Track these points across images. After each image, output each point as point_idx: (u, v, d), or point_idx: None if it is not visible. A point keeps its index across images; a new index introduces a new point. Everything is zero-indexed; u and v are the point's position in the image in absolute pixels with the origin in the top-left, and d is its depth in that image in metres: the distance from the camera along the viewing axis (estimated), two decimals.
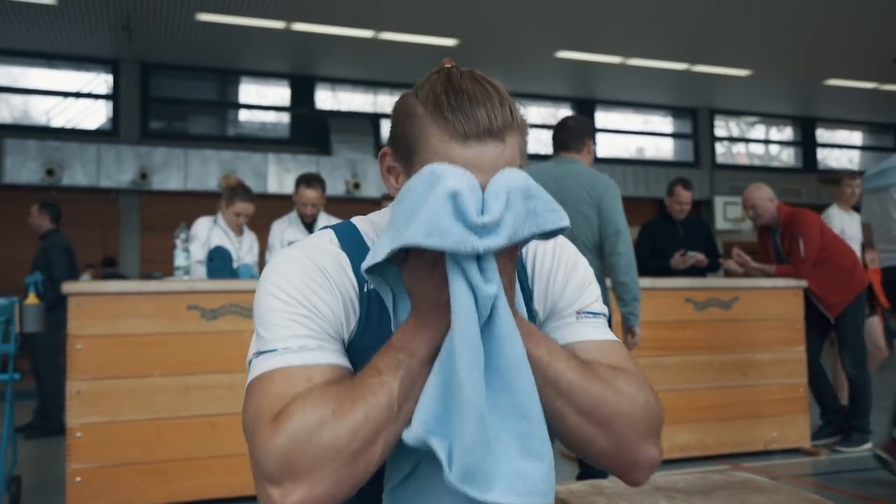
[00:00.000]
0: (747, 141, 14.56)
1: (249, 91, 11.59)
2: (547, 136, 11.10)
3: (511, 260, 0.89)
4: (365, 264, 0.85)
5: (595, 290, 1.06)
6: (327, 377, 0.86)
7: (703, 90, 12.43)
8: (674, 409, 3.70)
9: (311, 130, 11.27)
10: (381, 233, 0.99)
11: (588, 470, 3.00)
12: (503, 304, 0.85)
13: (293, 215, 4.26)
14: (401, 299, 0.94)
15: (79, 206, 9.44)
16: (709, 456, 3.90)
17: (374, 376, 0.85)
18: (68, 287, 3.01)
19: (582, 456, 0.97)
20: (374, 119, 11.58)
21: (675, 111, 13.64)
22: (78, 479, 2.93)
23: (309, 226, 4.22)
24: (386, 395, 0.83)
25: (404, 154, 0.93)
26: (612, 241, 2.97)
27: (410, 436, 0.83)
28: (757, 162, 14.45)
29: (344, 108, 11.85)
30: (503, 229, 0.81)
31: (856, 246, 4.67)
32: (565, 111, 12.82)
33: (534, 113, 12.73)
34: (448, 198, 0.80)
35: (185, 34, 9.32)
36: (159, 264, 8.90)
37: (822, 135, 14.79)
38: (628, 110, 13.45)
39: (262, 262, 4.45)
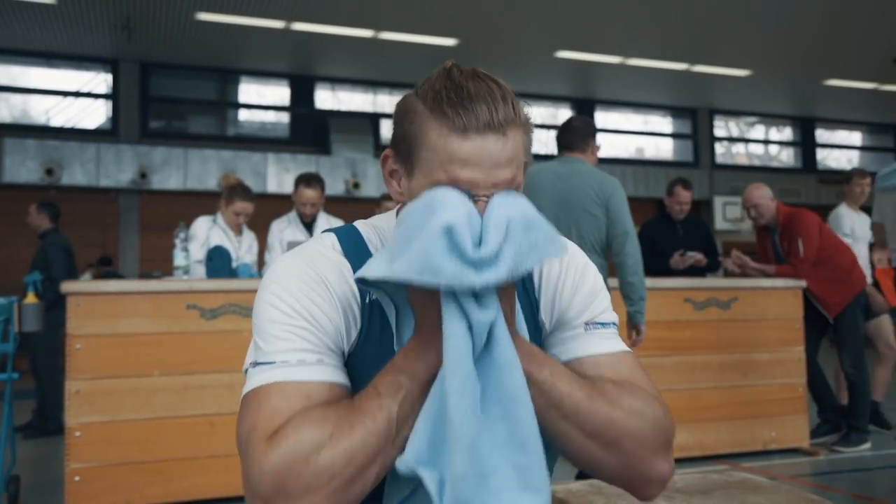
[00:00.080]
0: (747, 141, 14.55)
1: (249, 91, 11.58)
2: (546, 135, 11.16)
3: (511, 285, 0.87)
4: (358, 274, 0.84)
5: (605, 298, 1.03)
6: (325, 396, 0.84)
7: (702, 90, 12.42)
8: (673, 409, 3.63)
9: (310, 130, 11.25)
10: (384, 239, 0.97)
11: None
12: (502, 331, 0.83)
13: (292, 215, 4.27)
14: (404, 314, 0.91)
15: (78, 206, 9.43)
16: (707, 456, 3.90)
17: (374, 398, 0.83)
18: (67, 286, 3.00)
19: (591, 474, 0.95)
20: (373, 119, 11.56)
21: (675, 111, 13.64)
22: (77, 478, 2.92)
23: (308, 225, 4.22)
24: (384, 418, 0.82)
25: (405, 153, 0.90)
26: (620, 241, 3.01)
27: (402, 465, 0.81)
28: (756, 162, 14.44)
29: (344, 107, 11.84)
30: (503, 263, 0.79)
31: (865, 246, 4.65)
32: (565, 111, 12.82)
33: (533, 113, 12.59)
34: (442, 233, 0.78)
35: (185, 33, 9.32)
36: (159, 264, 8.88)
37: (821, 135, 14.78)
38: (628, 110, 13.44)
39: (261, 262, 4.45)
